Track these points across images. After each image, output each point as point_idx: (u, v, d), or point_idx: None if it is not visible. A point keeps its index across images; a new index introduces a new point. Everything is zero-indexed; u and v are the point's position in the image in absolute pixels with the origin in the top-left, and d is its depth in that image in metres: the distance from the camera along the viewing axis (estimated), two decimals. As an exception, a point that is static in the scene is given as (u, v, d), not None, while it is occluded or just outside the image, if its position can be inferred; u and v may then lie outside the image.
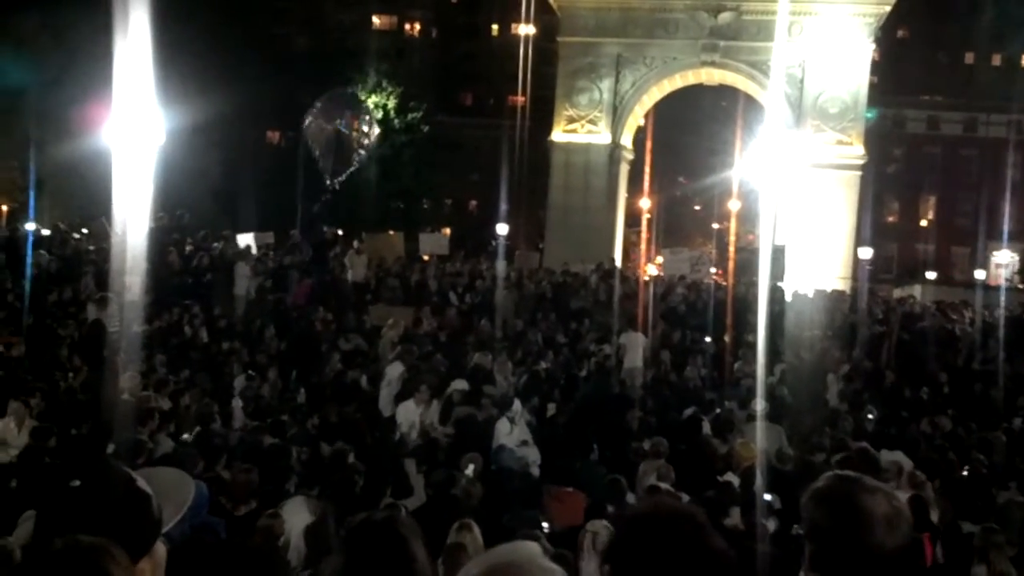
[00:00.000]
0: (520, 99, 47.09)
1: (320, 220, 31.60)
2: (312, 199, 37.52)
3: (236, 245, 26.75)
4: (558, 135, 36.98)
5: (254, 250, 26.40)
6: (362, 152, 29.70)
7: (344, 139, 28.82)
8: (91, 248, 24.59)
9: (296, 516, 7.36)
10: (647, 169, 45.21)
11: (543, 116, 39.97)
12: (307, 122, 29.21)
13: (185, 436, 11.35)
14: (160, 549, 2.43)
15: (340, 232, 35.09)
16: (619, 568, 2.27)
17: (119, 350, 13.98)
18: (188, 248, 26.00)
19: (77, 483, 2.41)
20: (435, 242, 30.98)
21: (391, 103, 48.84)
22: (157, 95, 10.95)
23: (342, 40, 50.93)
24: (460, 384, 14.47)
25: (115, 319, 15.08)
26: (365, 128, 30.23)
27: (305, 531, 6.98)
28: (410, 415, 13.38)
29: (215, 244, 26.96)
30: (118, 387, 11.86)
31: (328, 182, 28.51)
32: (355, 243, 27.65)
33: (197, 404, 13.00)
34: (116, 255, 18.02)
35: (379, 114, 48.11)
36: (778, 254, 29.21)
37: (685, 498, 9.51)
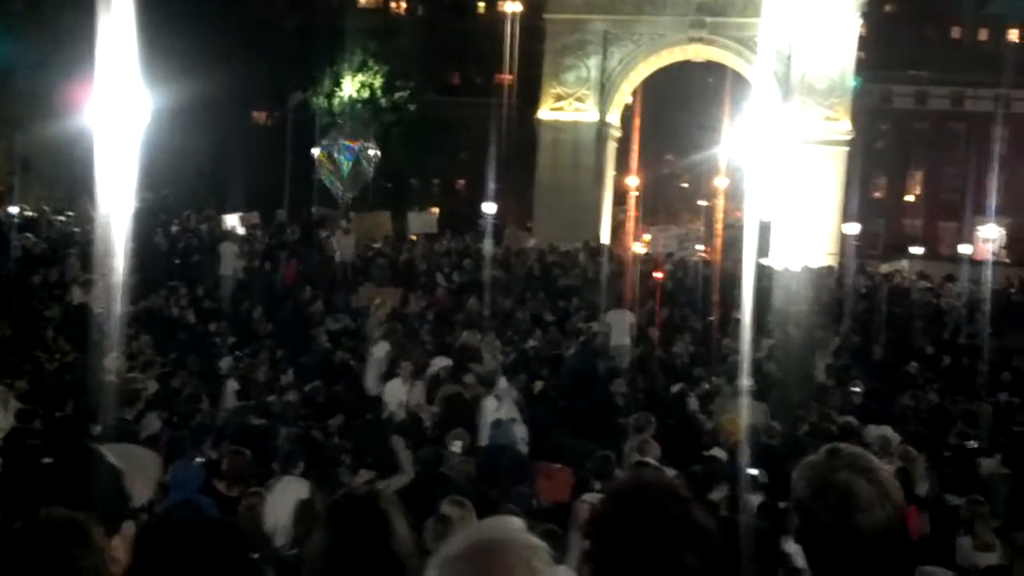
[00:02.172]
0: (508, 77, 46.88)
1: (309, 200, 31.71)
2: (300, 179, 37.49)
3: (223, 225, 26.66)
4: (545, 113, 36.87)
5: (240, 231, 26.32)
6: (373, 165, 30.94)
7: (361, 161, 30.22)
8: (76, 230, 24.48)
9: (285, 496, 7.36)
10: (635, 147, 45.10)
11: (531, 94, 39.82)
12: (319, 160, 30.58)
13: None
14: (128, 525, 2.43)
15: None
16: (599, 542, 2.26)
17: (104, 332, 13.95)
18: (175, 229, 25.90)
19: (50, 460, 2.41)
20: (423, 221, 30.94)
21: (378, 82, 48.56)
22: (142, 75, 10.84)
23: (329, 19, 50.55)
24: (443, 362, 14.46)
25: (100, 301, 15.04)
26: (371, 149, 31.55)
27: (294, 511, 6.98)
28: (397, 393, 13.40)
29: (201, 225, 26.86)
30: (103, 369, 11.83)
31: (342, 197, 29.44)
32: (343, 223, 27.59)
33: (185, 385, 13.00)
34: (100, 237, 17.94)
35: (366, 93, 47.91)
36: (765, 230, 29.30)
37: (672, 473, 9.56)
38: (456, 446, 10.16)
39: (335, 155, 31.94)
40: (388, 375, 14.38)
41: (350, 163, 31.88)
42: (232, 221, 27.42)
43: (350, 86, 47.40)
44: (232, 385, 13.87)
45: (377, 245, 26.79)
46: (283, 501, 7.01)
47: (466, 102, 58.38)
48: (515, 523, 2.06)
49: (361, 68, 48.11)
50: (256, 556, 5.81)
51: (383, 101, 48.50)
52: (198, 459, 8.51)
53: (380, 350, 15.31)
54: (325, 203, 35.39)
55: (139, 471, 2.74)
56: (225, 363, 15.61)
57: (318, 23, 49.10)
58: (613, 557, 2.20)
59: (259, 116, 51.56)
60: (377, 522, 2.66)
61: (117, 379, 11.70)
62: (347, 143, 32.59)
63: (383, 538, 2.63)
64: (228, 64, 37.93)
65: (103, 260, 16.64)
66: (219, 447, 9.27)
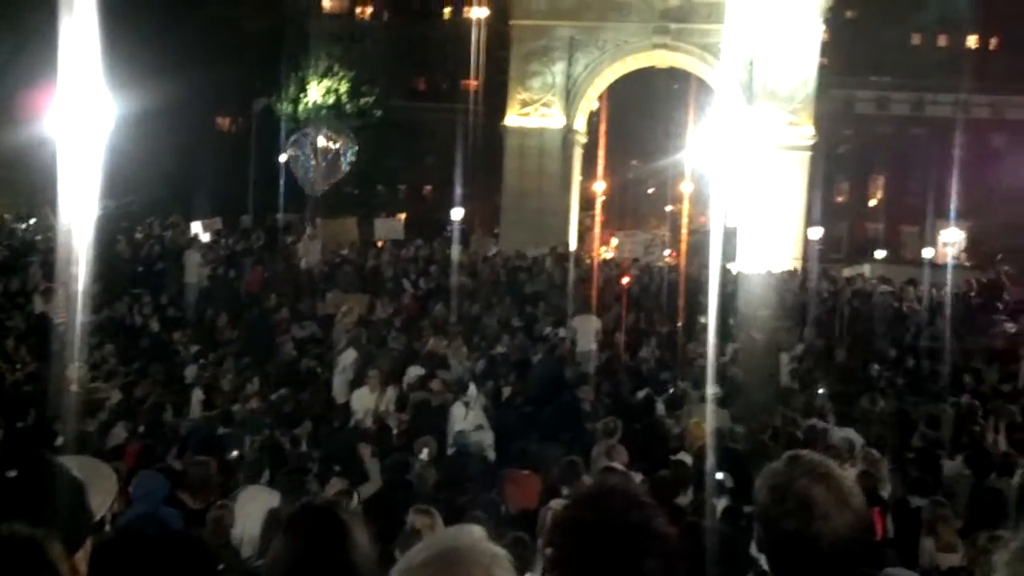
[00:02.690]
0: (474, 83, 46.90)
1: (273, 207, 31.48)
2: (265, 185, 37.23)
3: (187, 232, 26.43)
4: (512, 119, 36.92)
5: (204, 237, 26.11)
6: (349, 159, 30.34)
7: (333, 152, 29.58)
8: (38, 238, 24.18)
9: (251, 506, 7.33)
10: (601, 152, 45.28)
11: (498, 100, 39.88)
12: (291, 150, 29.91)
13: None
14: (91, 541, 2.41)
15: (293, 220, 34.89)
16: (561, 549, 2.27)
17: (66, 341, 13.79)
18: (138, 236, 25.65)
19: (13, 473, 2.37)
20: (390, 227, 30.85)
21: (343, 87, 48.40)
22: (106, 80, 10.73)
23: (294, 24, 50.33)
24: (418, 371, 14.47)
25: (62, 310, 14.87)
26: (347, 142, 31.00)
27: (264, 520, 6.95)
28: (364, 401, 13.36)
29: (165, 232, 26.61)
30: (65, 379, 11.70)
31: (312, 191, 28.90)
32: (308, 229, 27.45)
33: (149, 395, 12.88)
34: (63, 245, 17.73)
35: (331, 99, 47.72)
36: (730, 235, 29.52)
37: (639, 478, 9.60)
38: (423, 453, 10.15)
39: (313, 144, 31.26)
40: (355, 383, 14.34)
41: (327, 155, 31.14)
42: (197, 228, 27.20)
43: (315, 92, 47.21)
44: (197, 394, 13.76)
45: (344, 252, 26.69)
46: (249, 511, 6.99)
47: (432, 108, 58.32)
48: (476, 531, 2.08)
49: (326, 73, 47.94)
50: (221, 568, 5.78)
51: (348, 107, 48.34)
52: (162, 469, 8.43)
53: (347, 357, 15.27)
54: (291, 209, 35.22)
55: (97, 483, 2.69)
56: (190, 372, 15.49)
57: (283, 28, 48.88)
58: (575, 564, 2.22)
59: (223, 122, 51.20)
60: (336, 532, 2.65)
61: (79, 389, 11.57)
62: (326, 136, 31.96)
63: (342, 548, 2.62)
64: (192, 69, 37.61)
65: (65, 268, 16.45)
66: (184, 457, 9.20)
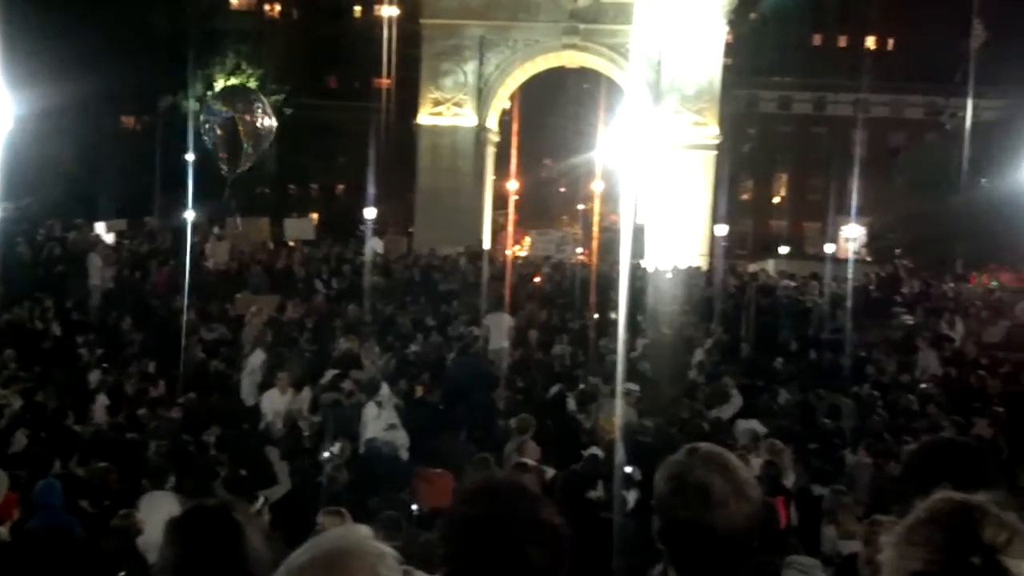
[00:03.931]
0: (386, 81, 46.63)
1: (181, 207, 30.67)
2: (172, 185, 36.35)
3: (90, 234, 25.68)
4: (424, 118, 36.84)
5: (108, 239, 25.42)
6: (260, 140, 28.80)
7: (237, 127, 27.94)
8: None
9: (156, 512, 7.20)
10: (513, 151, 45.50)
11: (410, 99, 39.72)
12: (202, 117, 28.25)
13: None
14: None
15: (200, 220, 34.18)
16: (450, 543, 2.28)
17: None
18: (39, 238, 24.87)
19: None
20: (301, 227, 30.45)
21: (252, 85, 47.59)
22: (4, 78, 10.40)
23: (200, 21, 49.26)
24: (331, 372, 14.33)
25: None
26: (260, 116, 29.30)
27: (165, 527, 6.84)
28: (275, 403, 13.21)
29: (68, 234, 25.83)
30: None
31: (225, 171, 27.58)
32: (216, 229, 26.93)
33: (51, 400, 12.52)
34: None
35: (239, 97, 46.84)
36: (639, 233, 29.95)
37: (551, 472, 9.72)
38: (335, 455, 10.10)
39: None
40: (264, 385, 14.16)
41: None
42: (100, 229, 26.42)
43: (223, 89, 46.34)
44: (102, 400, 13.43)
45: (253, 253, 26.24)
46: (154, 517, 6.87)
47: (344, 106, 57.77)
48: (362, 531, 2.07)
49: (234, 71, 47.09)
50: (123, 574, 5.70)
51: (257, 105, 47.52)
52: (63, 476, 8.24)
53: (255, 359, 15.06)
54: (199, 210, 34.49)
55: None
56: (93, 376, 15.10)
57: (190, 25, 47.82)
58: (465, 558, 2.23)
59: (129, 121, 49.90)
60: (229, 534, 2.60)
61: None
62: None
63: (235, 551, 2.57)
64: (96, 67, 36.56)
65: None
66: (87, 463, 8.99)
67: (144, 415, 11.89)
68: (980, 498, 1.90)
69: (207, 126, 26.59)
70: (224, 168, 26.07)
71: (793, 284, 26.39)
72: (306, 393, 13.67)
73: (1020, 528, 1.85)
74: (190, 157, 36.14)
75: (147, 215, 31.22)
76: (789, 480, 10.89)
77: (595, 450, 11.08)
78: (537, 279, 24.47)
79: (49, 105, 28.11)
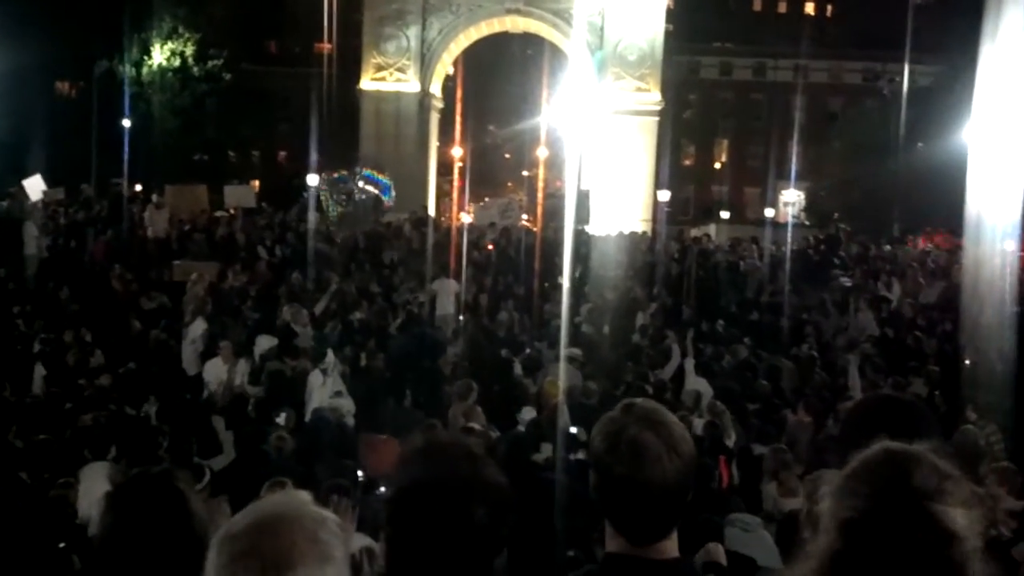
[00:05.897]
0: (327, 46, 45.96)
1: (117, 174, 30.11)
2: (108, 152, 35.60)
3: (25, 199, 24.87)
4: (367, 83, 36.48)
5: (37, 198, 24.68)
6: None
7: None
8: None
9: (95, 483, 7.11)
10: (458, 118, 45.24)
11: (352, 64, 39.25)
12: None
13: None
14: None
15: (139, 188, 33.58)
16: (394, 503, 2.29)
17: None
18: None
19: None
20: (241, 194, 29.89)
21: (189, 50, 46.62)
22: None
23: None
24: (270, 341, 14.18)
25: None
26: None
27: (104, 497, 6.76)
28: (218, 372, 13.07)
29: (1, 203, 25.17)
30: None
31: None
32: (154, 197, 26.42)
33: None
34: None
35: (177, 62, 45.91)
36: (583, 199, 30.04)
37: (496, 435, 9.78)
38: (280, 423, 10.04)
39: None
40: (206, 354, 13.99)
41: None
42: (35, 191, 25.37)
43: (159, 54, 45.33)
44: (39, 370, 13.18)
45: (192, 220, 25.80)
46: (94, 488, 6.79)
47: (285, 72, 56.87)
48: (301, 496, 2.05)
49: (171, 36, 46.05)
50: (63, 546, 5.63)
51: (195, 70, 46.61)
52: None
53: (196, 328, 14.86)
54: (136, 177, 33.85)
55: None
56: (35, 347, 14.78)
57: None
58: (408, 518, 2.24)
59: (63, 87, 48.60)
60: (172, 502, 2.57)
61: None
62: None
63: (178, 518, 2.55)
64: (29, 32, 35.57)
65: None
66: (25, 435, 8.83)
67: (84, 385, 11.69)
68: (915, 447, 1.94)
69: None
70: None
71: (732, 248, 26.70)
72: (246, 363, 13.51)
73: (955, 475, 1.90)
74: (126, 123, 35.47)
75: (83, 182, 30.51)
76: (731, 440, 11.07)
77: (531, 412, 11.14)
78: (490, 247, 24.50)
79: (-22, 72, 27.33)
